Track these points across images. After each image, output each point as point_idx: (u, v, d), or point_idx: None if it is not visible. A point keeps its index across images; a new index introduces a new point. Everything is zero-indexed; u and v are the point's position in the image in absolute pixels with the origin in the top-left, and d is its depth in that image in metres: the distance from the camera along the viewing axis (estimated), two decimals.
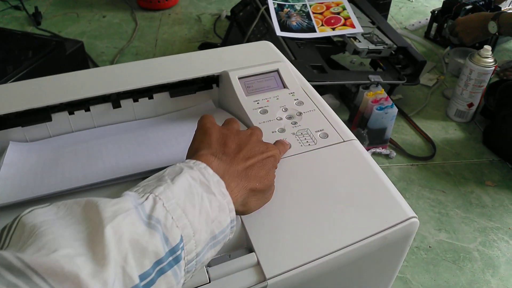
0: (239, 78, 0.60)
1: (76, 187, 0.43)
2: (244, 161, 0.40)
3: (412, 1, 1.97)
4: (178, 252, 0.31)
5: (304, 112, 0.57)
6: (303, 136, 0.53)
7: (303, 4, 1.30)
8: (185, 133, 0.56)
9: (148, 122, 0.61)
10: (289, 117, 0.56)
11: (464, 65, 1.16)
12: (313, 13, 1.28)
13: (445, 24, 1.55)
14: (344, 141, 0.53)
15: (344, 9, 1.30)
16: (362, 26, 1.26)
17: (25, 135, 0.55)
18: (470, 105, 1.20)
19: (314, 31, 1.22)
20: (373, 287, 0.54)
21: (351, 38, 1.21)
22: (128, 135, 0.56)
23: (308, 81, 0.64)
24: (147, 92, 0.60)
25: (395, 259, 0.50)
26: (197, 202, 0.34)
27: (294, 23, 1.23)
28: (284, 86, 0.61)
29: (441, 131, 1.19)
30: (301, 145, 0.52)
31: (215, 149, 0.40)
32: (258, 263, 0.38)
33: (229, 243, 0.41)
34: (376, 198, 0.46)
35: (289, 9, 1.27)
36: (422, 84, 1.37)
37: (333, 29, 1.24)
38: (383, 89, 1.08)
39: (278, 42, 1.14)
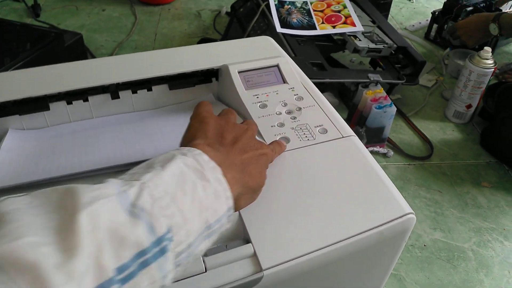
0: (239, 72, 0.60)
1: (73, 174, 0.43)
2: (240, 154, 0.39)
3: (412, 2, 1.97)
4: (165, 243, 0.29)
5: (304, 108, 0.57)
6: (302, 131, 0.53)
7: (304, 1, 1.30)
8: (184, 125, 0.56)
9: (146, 114, 0.61)
10: (289, 112, 0.56)
11: (464, 66, 1.17)
12: (314, 10, 1.28)
13: (445, 26, 1.55)
14: (343, 137, 0.53)
15: (345, 7, 1.30)
16: (362, 25, 1.26)
17: (22, 123, 0.54)
18: (469, 106, 1.20)
19: (315, 28, 1.22)
20: (367, 283, 0.55)
21: (352, 37, 1.21)
22: (127, 126, 0.56)
23: (308, 78, 0.64)
24: (146, 84, 0.60)
25: (390, 255, 0.50)
26: (189, 190, 0.32)
27: (295, 20, 1.23)
28: (284, 81, 0.61)
29: (439, 131, 1.20)
30: (300, 140, 0.52)
31: (211, 139, 0.39)
32: (254, 254, 0.38)
33: (226, 234, 0.41)
34: (374, 193, 0.47)
35: (289, 6, 1.27)
36: (421, 85, 1.37)
37: (334, 27, 1.24)
38: (382, 88, 1.08)
39: (278, 38, 1.14)
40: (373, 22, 1.32)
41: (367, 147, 1.07)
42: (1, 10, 1.68)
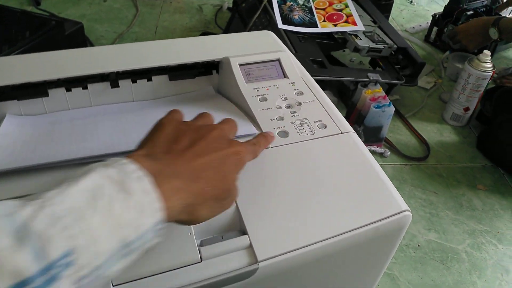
0: (240, 65, 0.60)
1: (69, 159, 0.43)
2: (192, 160, 0.35)
3: (413, 4, 1.97)
4: (57, 270, 0.25)
5: (304, 102, 0.57)
6: (302, 125, 0.53)
7: None
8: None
9: (146, 104, 0.60)
10: (288, 106, 0.56)
11: (463, 69, 1.17)
12: (316, 8, 1.28)
13: (446, 29, 1.55)
14: (341, 133, 0.53)
15: (346, 6, 1.30)
16: (363, 25, 1.26)
17: (20, 109, 0.54)
18: (466, 109, 1.20)
19: (316, 26, 1.22)
20: (361, 281, 0.55)
21: (352, 36, 1.21)
22: (125, 115, 0.55)
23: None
24: (146, 73, 0.60)
25: (385, 252, 0.50)
26: (103, 205, 0.28)
27: (296, 17, 1.23)
28: (285, 76, 0.61)
29: (436, 133, 1.20)
30: (299, 134, 0.52)
31: (157, 147, 0.35)
32: (250, 246, 0.38)
33: (223, 225, 0.41)
34: (371, 189, 0.47)
35: (292, 3, 1.27)
36: (420, 87, 1.38)
37: (335, 25, 1.24)
38: (381, 88, 1.08)
39: (279, 35, 1.14)
40: (374, 22, 1.32)
41: None
42: None
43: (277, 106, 0.56)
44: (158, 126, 0.38)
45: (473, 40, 1.37)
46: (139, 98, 0.61)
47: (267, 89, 0.58)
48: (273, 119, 0.54)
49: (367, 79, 1.11)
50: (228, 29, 1.45)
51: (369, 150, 1.06)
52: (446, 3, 1.59)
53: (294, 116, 0.55)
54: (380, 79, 1.12)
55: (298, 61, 0.65)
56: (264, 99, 0.56)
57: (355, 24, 1.24)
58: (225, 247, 0.38)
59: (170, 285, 0.35)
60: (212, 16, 1.67)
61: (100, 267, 0.27)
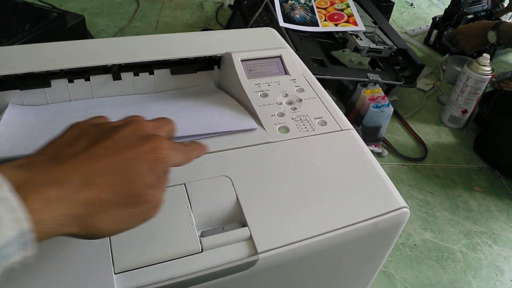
0: (242, 61, 0.61)
1: None
2: (83, 165, 0.30)
3: (414, 7, 1.98)
4: None
5: (304, 99, 0.57)
6: (302, 122, 0.54)
7: None
8: (184, 110, 0.56)
9: (147, 98, 0.61)
10: (289, 103, 0.56)
11: (462, 72, 1.18)
12: (317, 7, 1.29)
13: (445, 32, 1.56)
14: (342, 130, 0.54)
15: (348, 6, 1.30)
16: (364, 25, 1.26)
17: (23, 99, 0.54)
18: (464, 111, 1.21)
19: (317, 25, 1.23)
20: (358, 277, 0.55)
21: (353, 36, 1.22)
22: (127, 107, 0.56)
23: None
24: (148, 67, 0.60)
25: (382, 248, 0.51)
26: None
27: (298, 16, 1.23)
28: (286, 73, 0.62)
29: (434, 135, 1.21)
30: (300, 130, 0.52)
31: (42, 155, 0.31)
32: (250, 238, 0.39)
33: (223, 217, 0.41)
34: (370, 186, 0.47)
35: (293, 1, 1.27)
36: (418, 88, 1.38)
37: (336, 25, 1.24)
38: (380, 88, 1.09)
39: (280, 33, 1.14)
40: (375, 23, 1.33)
41: None
42: None
43: (278, 102, 0.56)
44: (64, 129, 0.34)
45: (471, 42, 1.38)
46: (140, 92, 0.61)
47: (268, 85, 0.59)
48: (274, 115, 0.54)
49: (367, 79, 1.11)
50: (229, 26, 1.45)
51: None
52: (447, 7, 1.60)
53: (295, 112, 0.55)
54: (380, 79, 1.12)
55: (299, 58, 0.65)
56: (265, 95, 0.57)
57: (356, 24, 1.25)
58: (225, 238, 0.38)
59: (171, 274, 0.35)
60: (213, 13, 1.67)
61: None
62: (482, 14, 1.55)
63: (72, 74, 0.56)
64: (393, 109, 1.04)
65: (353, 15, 1.27)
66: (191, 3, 1.73)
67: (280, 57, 0.63)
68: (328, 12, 1.28)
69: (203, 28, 1.56)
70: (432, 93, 1.38)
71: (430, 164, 1.10)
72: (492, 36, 1.29)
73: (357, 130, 1.06)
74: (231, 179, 0.44)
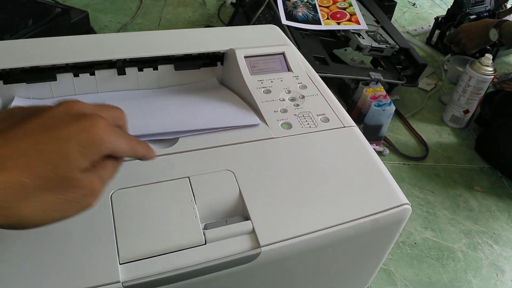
0: (245, 57, 0.61)
1: None
2: (2, 145, 0.27)
3: (416, 7, 1.98)
4: None
5: (307, 96, 0.58)
6: (305, 118, 0.54)
7: None
8: (187, 105, 0.56)
9: (151, 93, 0.61)
10: (292, 99, 0.57)
11: (464, 72, 1.18)
12: (320, 6, 1.29)
13: (447, 32, 1.56)
14: (344, 127, 0.54)
15: (350, 5, 1.31)
16: (366, 24, 1.26)
17: (28, 92, 0.54)
18: (466, 111, 1.21)
19: (319, 23, 1.23)
20: (358, 274, 0.56)
21: (355, 34, 1.22)
22: (131, 102, 0.56)
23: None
24: (153, 62, 0.61)
25: (383, 245, 0.51)
26: None
27: (300, 14, 1.23)
28: (289, 69, 0.62)
29: (435, 134, 1.21)
30: (302, 127, 0.53)
31: None
32: (253, 231, 0.39)
33: (226, 210, 0.41)
34: (372, 182, 0.48)
35: None
36: (420, 88, 1.39)
37: (338, 23, 1.25)
38: (382, 87, 1.09)
39: (282, 30, 1.14)
40: (377, 22, 1.33)
41: None
42: None
43: (280, 99, 0.56)
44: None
45: (473, 39, 1.37)
46: (144, 87, 0.61)
47: (271, 81, 0.59)
48: (277, 111, 0.54)
49: (369, 78, 1.11)
50: (231, 24, 1.46)
51: None
52: (449, 7, 1.60)
53: (298, 108, 0.55)
54: (382, 78, 1.12)
55: (302, 56, 0.66)
56: (268, 91, 0.57)
57: (358, 23, 1.25)
58: (229, 231, 0.38)
59: (175, 265, 0.35)
60: (215, 10, 1.67)
61: None
62: (485, 14, 1.55)
63: (77, 69, 0.56)
64: (394, 108, 1.05)
65: (355, 14, 1.28)
66: (194, 1, 1.73)
67: (283, 54, 0.63)
68: (331, 11, 1.28)
69: (205, 25, 1.56)
70: (434, 93, 1.39)
71: (431, 163, 1.10)
72: (494, 34, 1.29)
73: (359, 128, 1.06)
74: (234, 173, 0.44)
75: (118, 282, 0.34)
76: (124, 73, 0.59)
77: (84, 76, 0.57)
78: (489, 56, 1.14)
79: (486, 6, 1.59)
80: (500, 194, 1.04)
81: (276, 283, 0.45)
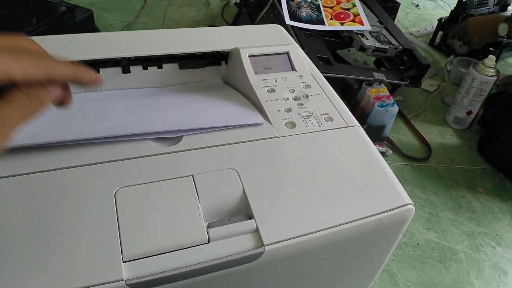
0: (250, 56, 0.61)
1: (82, 139, 0.44)
2: None
3: (419, 8, 1.97)
4: None
5: (311, 95, 0.58)
6: (309, 117, 0.54)
7: None
8: (191, 104, 0.56)
9: (155, 91, 0.61)
10: (296, 99, 0.57)
11: (467, 73, 1.18)
12: (324, 6, 1.29)
13: (450, 33, 1.55)
14: (348, 126, 0.54)
15: (354, 5, 1.30)
16: (370, 25, 1.26)
17: None
18: (469, 113, 1.21)
19: (323, 24, 1.23)
20: (361, 275, 0.56)
21: (359, 35, 1.22)
22: (136, 100, 0.56)
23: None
24: (157, 61, 0.61)
25: (386, 245, 0.51)
26: None
27: (304, 14, 1.23)
28: (293, 69, 0.62)
29: (438, 135, 1.21)
30: (306, 126, 0.53)
31: None
32: (257, 230, 0.39)
33: (230, 209, 0.41)
34: (376, 182, 0.47)
35: (300, 0, 1.27)
36: (423, 89, 1.38)
37: (342, 24, 1.25)
38: (385, 88, 1.09)
39: (287, 30, 1.15)
40: (381, 22, 1.33)
41: None
42: None
43: (284, 98, 0.56)
44: None
45: (481, 33, 1.36)
46: (148, 85, 0.62)
47: (275, 80, 0.59)
48: (281, 110, 0.54)
49: (372, 78, 1.11)
50: (235, 24, 1.46)
51: None
52: (453, 8, 1.60)
53: (302, 108, 0.55)
54: (385, 78, 1.12)
55: (306, 55, 0.66)
56: (272, 91, 0.57)
57: (362, 23, 1.25)
58: (232, 230, 0.38)
59: (179, 264, 0.35)
60: (219, 10, 1.67)
61: None
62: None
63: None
64: (398, 108, 1.05)
65: (359, 15, 1.28)
66: (198, 0, 1.73)
67: (287, 53, 0.64)
68: (334, 11, 1.28)
69: (209, 25, 1.56)
70: (437, 94, 1.38)
71: (433, 164, 1.10)
72: (503, 29, 1.28)
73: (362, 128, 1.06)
74: (238, 172, 0.44)
75: (122, 280, 0.34)
76: (129, 71, 0.59)
77: None
78: (492, 57, 1.14)
79: (490, 8, 1.59)
80: (502, 195, 1.04)
81: (279, 282, 0.45)
